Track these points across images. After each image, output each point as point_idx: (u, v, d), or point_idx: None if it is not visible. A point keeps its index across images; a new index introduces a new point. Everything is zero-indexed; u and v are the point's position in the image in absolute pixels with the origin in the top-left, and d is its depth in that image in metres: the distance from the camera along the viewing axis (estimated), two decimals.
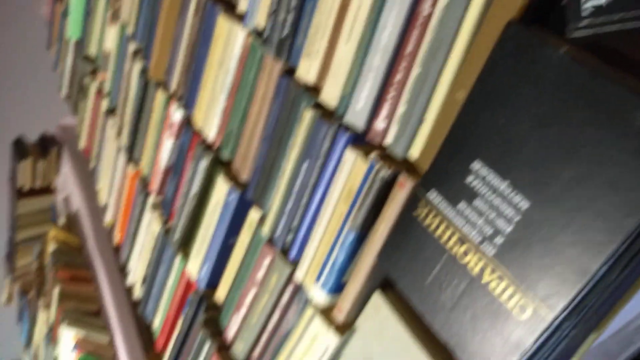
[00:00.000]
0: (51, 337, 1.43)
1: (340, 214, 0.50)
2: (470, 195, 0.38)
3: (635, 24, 0.28)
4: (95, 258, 1.40)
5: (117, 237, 0.96)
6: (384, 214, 0.46)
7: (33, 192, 1.67)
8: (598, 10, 0.30)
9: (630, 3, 0.28)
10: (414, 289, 0.42)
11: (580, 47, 0.34)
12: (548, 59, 0.33)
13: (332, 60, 0.52)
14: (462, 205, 0.39)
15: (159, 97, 0.81)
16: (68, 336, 1.29)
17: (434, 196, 0.41)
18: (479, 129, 0.37)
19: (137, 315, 1.38)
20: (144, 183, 0.86)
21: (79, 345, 1.26)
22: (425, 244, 0.41)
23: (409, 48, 0.44)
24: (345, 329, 0.53)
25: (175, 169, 0.77)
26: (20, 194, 1.66)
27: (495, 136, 0.36)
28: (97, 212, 1.48)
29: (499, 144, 0.36)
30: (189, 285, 0.76)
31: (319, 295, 0.53)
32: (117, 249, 1.45)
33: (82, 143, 1.19)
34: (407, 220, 0.43)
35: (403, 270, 0.43)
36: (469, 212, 0.38)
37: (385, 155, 0.47)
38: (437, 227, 0.40)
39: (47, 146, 1.64)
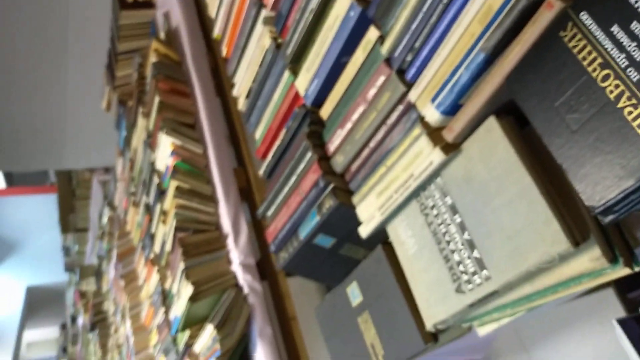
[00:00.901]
0: (150, 143, 1.58)
1: (471, 34, 0.50)
2: (627, 17, 0.37)
3: None
4: (192, 74, 1.47)
5: (224, 50, 1.00)
6: (523, 35, 0.45)
7: (136, 5, 1.72)
8: None
9: None
10: (540, 110, 0.44)
11: None
12: None
13: None
14: (615, 28, 0.38)
15: None
16: (166, 143, 1.42)
17: (585, 18, 0.40)
18: None
19: (230, 131, 1.49)
20: None
21: (176, 152, 1.39)
22: (564, 65, 0.41)
23: None
24: (451, 149, 0.56)
25: None
26: (122, 4, 1.72)
27: None
28: (195, 29, 1.53)
29: None
30: (295, 99, 0.81)
31: (431, 115, 0.56)
32: (215, 68, 1.52)
33: None
34: (549, 42, 0.43)
35: (532, 92, 0.44)
36: (622, 35, 0.38)
37: None
38: (582, 49, 0.40)
39: None
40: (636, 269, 0.50)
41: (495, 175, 0.52)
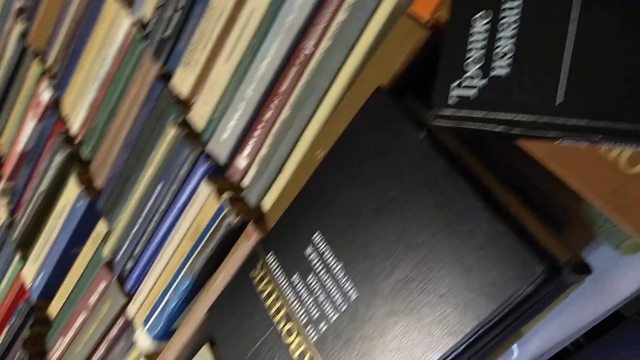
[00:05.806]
0: None
1: (182, 252, 0.44)
2: (306, 268, 0.33)
3: (494, 127, 0.24)
4: None
5: None
6: (225, 265, 0.40)
7: None
8: (464, 101, 0.26)
9: (494, 104, 0.24)
10: (233, 357, 0.37)
11: (446, 132, 0.30)
12: (406, 140, 0.29)
13: (208, 77, 0.46)
14: (296, 278, 0.34)
15: (34, 69, 0.71)
16: None
17: (272, 260, 0.36)
18: (326, 198, 0.33)
19: None
20: None
21: None
22: (254, 311, 0.36)
23: (284, 86, 0.39)
24: None
25: (31, 156, 0.67)
26: None
27: (340, 210, 0.32)
28: None
29: (342, 219, 0.32)
30: (21, 291, 0.66)
31: (143, 339, 0.47)
32: None
33: None
34: (242, 280, 0.37)
35: (227, 334, 0.38)
36: (301, 287, 0.33)
37: (240, 199, 0.41)
38: (269, 295, 0.35)
39: None
40: None
41: None
